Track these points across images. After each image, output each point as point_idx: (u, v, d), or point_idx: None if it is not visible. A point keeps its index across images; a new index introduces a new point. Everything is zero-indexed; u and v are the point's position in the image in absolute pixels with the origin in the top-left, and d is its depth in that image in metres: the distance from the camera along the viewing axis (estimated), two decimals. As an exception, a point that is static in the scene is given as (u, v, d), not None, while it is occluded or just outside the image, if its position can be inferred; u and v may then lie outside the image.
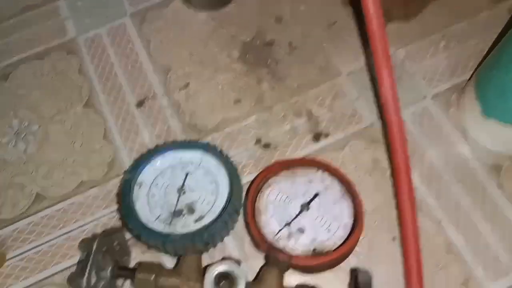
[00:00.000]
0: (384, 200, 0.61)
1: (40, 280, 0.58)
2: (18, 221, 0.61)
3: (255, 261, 0.57)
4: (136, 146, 0.65)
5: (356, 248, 0.57)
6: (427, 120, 0.66)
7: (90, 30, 0.75)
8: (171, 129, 0.66)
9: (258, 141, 0.65)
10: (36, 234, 0.60)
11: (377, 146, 0.64)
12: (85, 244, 0.51)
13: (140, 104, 0.68)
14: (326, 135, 0.65)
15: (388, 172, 0.63)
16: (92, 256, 0.49)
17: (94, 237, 0.52)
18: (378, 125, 0.66)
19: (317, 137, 0.65)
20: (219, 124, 0.67)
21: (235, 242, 0.59)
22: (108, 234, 0.54)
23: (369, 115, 0.66)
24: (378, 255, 0.58)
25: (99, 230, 0.60)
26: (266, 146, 0.65)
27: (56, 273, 0.58)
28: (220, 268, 0.50)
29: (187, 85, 0.69)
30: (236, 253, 0.58)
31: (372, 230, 0.59)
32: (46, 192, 0.63)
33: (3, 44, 0.74)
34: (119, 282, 0.55)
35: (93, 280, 0.49)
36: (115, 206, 0.61)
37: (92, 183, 0.63)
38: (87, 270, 0.49)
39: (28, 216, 0.61)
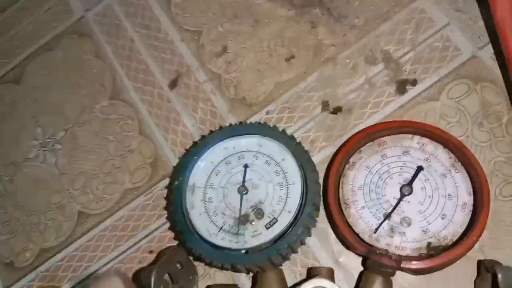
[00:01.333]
0: (504, 156, 0.46)
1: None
2: (65, 247, 0.53)
3: (350, 264, 0.46)
4: (179, 137, 0.54)
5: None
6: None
7: (98, 3, 0.62)
8: (216, 108, 0.54)
9: (325, 105, 0.51)
10: (87, 260, 0.52)
11: (485, 85, 0.48)
12: (144, 275, 0.42)
13: (173, 84, 0.56)
14: (414, 83, 0.50)
15: (506, 117, 0.47)
16: None
17: (150, 268, 0.42)
18: (482, 54, 0.49)
19: (402, 87, 0.50)
20: (273, 92, 0.53)
21: (319, 243, 0.47)
22: (164, 261, 0.44)
23: (467, 44, 0.50)
24: (504, 227, 0.44)
25: (155, 245, 0.50)
26: (337, 110, 0.51)
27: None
28: (311, 286, 0.39)
29: (224, 49, 0.55)
30: (323, 257, 0.47)
31: (497, 209, 0.45)
32: (88, 209, 0.54)
33: (6, 41, 0.63)
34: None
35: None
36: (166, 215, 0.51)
37: (137, 191, 0.53)
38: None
39: (75, 240, 0.53)
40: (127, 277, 0.40)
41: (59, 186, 0.55)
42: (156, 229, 0.51)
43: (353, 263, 0.45)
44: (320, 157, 0.49)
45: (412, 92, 0.49)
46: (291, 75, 0.53)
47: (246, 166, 0.46)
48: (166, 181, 0.52)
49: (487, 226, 0.44)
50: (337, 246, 0.46)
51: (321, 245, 0.47)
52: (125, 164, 0.54)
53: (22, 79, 0.61)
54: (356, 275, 0.45)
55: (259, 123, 0.49)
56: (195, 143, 0.50)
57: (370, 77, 0.51)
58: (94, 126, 0.57)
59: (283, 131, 0.47)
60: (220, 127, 0.50)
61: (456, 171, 0.43)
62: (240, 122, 0.51)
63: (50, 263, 0.52)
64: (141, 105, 0.56)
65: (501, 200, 0.45)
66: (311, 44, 0.53)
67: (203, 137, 0.50)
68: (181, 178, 0.47)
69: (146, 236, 0.51)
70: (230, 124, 0.50)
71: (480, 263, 0.43)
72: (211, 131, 0.51)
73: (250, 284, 0.47)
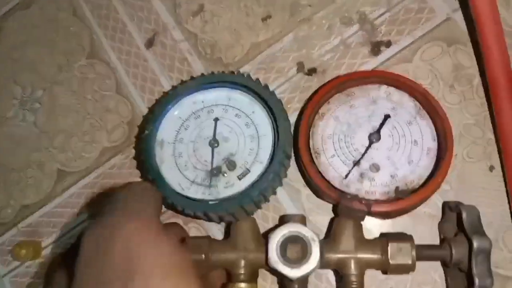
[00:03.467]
0: (474, 118, 0.47)
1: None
2: (45, 204, 0.54)
3: (322, 212, 0.47)
4: (156, 97, 0.54)
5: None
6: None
7: (75, -41, 0.60)
8: (192, 68, 0.54)
9: (300, 66, 0.51)
10: (67, 216, 0.53)
11: (458, 47, 0.48)
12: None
13: (149, 43, 0.55)
14: (388, 44, 0.50)
15: (477, 80, 0.48)
16: None
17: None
18: (457, 17, 0.49)
19: (376, 48, 0.50)
20: (249, 52, 0.53)
21: (291, 193, 0.49)
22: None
23: (443, 5, 0.49)
24: (472, 189, 0.46)
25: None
26: (312, 71, 0.51)
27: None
28: (285, 232, 0.40)
29: (201, 7, 0.55)
30: (293, 207, 0.48)
31: (460, 159, 0.46)
32: (67, 167, 0.55)
33: (-19, -2, 0.62)
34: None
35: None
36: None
37: (115, 150, 0.54)
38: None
39: (55, 197, 0.54)
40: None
41: (38, 144, 0.56)
42: (133, 188, 0.52)
43: (324, 222, 0.47)
44: (294, 118, 0.50)
45: (386, 53, 0.50)
46: (267, 35, 0.53)
47: (216, 120, 0.47)
48: (143, 140, 0.53)
49: (452, 186, 0.46)
50: (308, 204, 0.48)
51: (292, 196, 0.48)
52: (103, 123, 0.55)
53: (-1, 39, 0.61)
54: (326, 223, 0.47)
55: (232, 72, 0.48)
56: (165, 93, 0.50)
57: (345, 38, 0.51)
58: (72, 85, 0.57)
59: (257, 80, 0.47)
60: (191, 77, 0.49)
61: (422, 118, 0.44)
62: (212, 72, 0.49)
63: (31, 219, 0.54)
64: (119, 64, 0.56)
65: (468, 162, 0.46)
66: (287, 3, 0.53)
67: (173, 87, 0.49)
68: (151, 128, 0.46)
69: (123, 194, 0.52)
70: (202, 74, 0.49)
71: (444, 204, 0.45)
72: (182, 81, 0.50)
73: (222, 236, 0.48)
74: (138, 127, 0.53)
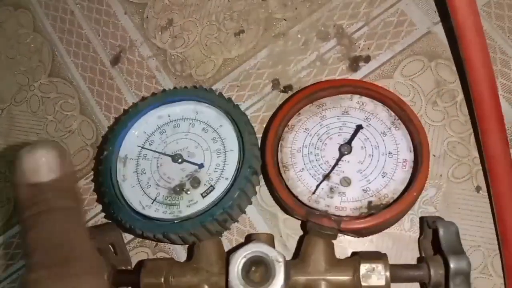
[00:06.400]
0: (458, 136, 0.45)
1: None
2: (2, 234, 0.50)
3: (293, 230, 0.44)
4: (122, 117, 0.51)
5: (422, 202, 0.43)
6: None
7: (36, -29, 0.57)
8: (161, 85, 0.50)
9: (275, 83, 0.48)
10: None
11: (440, 62, 0.46)
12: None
13: (116, 60, 0.52)
14: (367, 59, 0.47)
15: (461, 96, 0.46)
16: None
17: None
18: (438, 30, 0.47)
19: (354, 63, 0.47)
20: (221, 69, 0.50)
21: (266, 218, 0.46)
22: (96, 235, 0.42)
23: (423, 18, 0.47)
24: (458, 211, 0.43)
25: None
26: (288, 88, 0.48)
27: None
28: (247, 253, 0.37)
29: (170, 22, 0.52)
30: (264, 225, 0.45)
31: (445, 179, 0.44)
32: (27, 194, 0.50)
33: None
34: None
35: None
36: (110, 199, 0.49)
37: (79, 174, 0.50)
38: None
39: (10, 227, 0.49)
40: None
41: (-6, 169, 0.52)
42: (98, 213, 0.48)
43: (295, 231, 0.44)
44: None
45: (365, 69, 0.47)
46: (240, 51, 0.50)
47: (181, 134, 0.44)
48: (109, 163, 0.49)
49: (438, 207, 0.43)
50: (285, 230, 0.45)
51: (262, 214, 0.46)
52: (65, 145, 0.51)
53: (-46, 56, 0.57)
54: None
55: (195, 86, 0.46)
56: (126, 111, 0.47)
57: (322, 54, 0.48)
58: (32, 105, 0.53)
59: (220, 94, 0.44)
60: (153, 93, 0.47)
61: (396, 128, 0.42)
62: (175, 87, 0.47)
63: (-15, 251, 0.50)
64: (82, 83, 0.52)
65: (453, 182, 0.44)
66: (261, 17, 0.50)
67: (134, 104, 0.46)
68: (110, 148, 0.44)
69: (88, 221, 0.48)
70: (164, 90, 0.47)
71: (422, 220, 0.42)
72: (143, 98, 0.47)
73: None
74: (97, 147, 0.50)
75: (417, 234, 0.43)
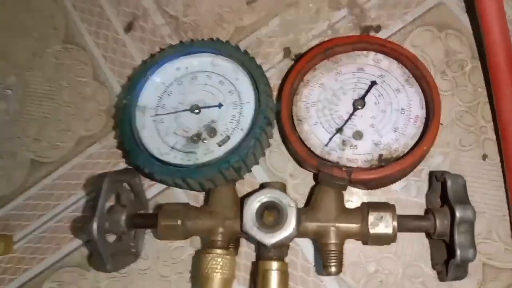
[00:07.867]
0: (466, 106, 0.45)
1: (57, 261, 0.49)
2: (17, 196, 0.51)
3: (304, 181, 0.46)
4: (135, 83, 0.51)
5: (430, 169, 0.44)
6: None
7: None
8: (174, 53, 0.51)
9: (286, 51, 0.49)
10: (40, 209, 0.50)
11: (449, 32, 0.47)
12: (93, 182, 0.43)
13: (129, 27, 0.53)
14: (378, 29, 0.48)
15: (469, 66, 0.46)
16: (100, 198, 0.40)
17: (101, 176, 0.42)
18: (450, 1, 0.47)
19: (365, 33, 0.48)
20: (233, 36, 0.51)
21: (271, 176, 0.47)
22: (117, 176, 0.44)
23: (434, -11, 0.48)
24: (465, 178, 0.44)
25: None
26: (298, 56, 0.49)
27: (73, 251, 0.49)
28: (262, 197, 0.39)
29: (183, -10, 0.53)
30: (277, 175, 0.47)
31: (453, 147, 0.45)
32: (41, 157, 0.52)
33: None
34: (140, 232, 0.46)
35: (107, 224, 0.41)
36: (123, 164, 0.50)
37: (92, 139, 0.51)
38: (97, 214, 0.39)
39: (27, 189, 0.51)
40: None
41: (10, 133, 0.53)
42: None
43: (306, 181, 0.46)
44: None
45: (376, 38, 0.48)
46: (252, 19, 0.51)
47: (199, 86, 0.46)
48: (122, 129, 0.50)
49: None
50: (292, 165, 0.47)
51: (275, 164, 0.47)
52: (79, 111, 0.52)
53: (-31, 21, 0.57)
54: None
55: (211, 39, 0.47)
56: (144, 62, 0.48)
57: (333, 23, 0.49)
58: (46, 71, 0.54)
59: (237, 46, 0.46)
60: (170, 45, 0.48)
61: (410, 86, 0.43)
62: (192, 40, 0.48)
63: (1, 212, 0.50)
64: (96, 49, 0.53)
65: (460, 150, 0.45)
66: (274, -14, 0.51)
67: (152, 55, 0.48)
68: (129, 96, 0.45)
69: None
70: (181, 41, 0.48)
71: (431, 174, 0.44)
72: (161, 49, 0.48)
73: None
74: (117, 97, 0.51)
75: (423, 201, 0.44)
